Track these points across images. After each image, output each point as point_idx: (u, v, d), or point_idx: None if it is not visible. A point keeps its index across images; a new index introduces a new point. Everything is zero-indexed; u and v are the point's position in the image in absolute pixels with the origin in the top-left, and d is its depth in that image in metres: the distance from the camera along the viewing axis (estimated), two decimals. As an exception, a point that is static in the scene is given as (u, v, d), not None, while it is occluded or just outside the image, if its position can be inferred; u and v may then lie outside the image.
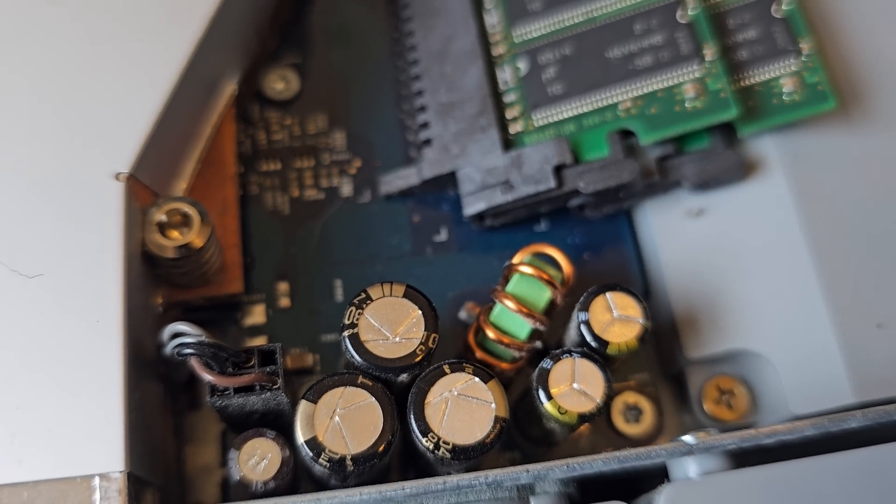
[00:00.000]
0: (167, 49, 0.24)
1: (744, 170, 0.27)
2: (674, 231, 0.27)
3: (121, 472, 0.20)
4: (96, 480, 0.20)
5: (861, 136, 0.27)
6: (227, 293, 0.25)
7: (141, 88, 0.24)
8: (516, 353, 0.24)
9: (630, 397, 0.26)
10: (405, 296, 0.22)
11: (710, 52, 0.26)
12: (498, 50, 0.28)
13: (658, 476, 0.22)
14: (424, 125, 0.28)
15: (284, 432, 0.22)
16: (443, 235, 0.28)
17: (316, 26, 0.30)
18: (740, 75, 0.27)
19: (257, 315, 0.26)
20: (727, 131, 0.26)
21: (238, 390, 0.21)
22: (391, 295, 0.22)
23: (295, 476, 0.22)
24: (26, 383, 0.20)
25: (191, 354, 0.21)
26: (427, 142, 0.27)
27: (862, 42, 0.28)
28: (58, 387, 0.20)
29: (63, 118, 0.23)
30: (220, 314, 0.26)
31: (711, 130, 0.26)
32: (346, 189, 0.28)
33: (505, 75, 0.28)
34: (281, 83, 0.29)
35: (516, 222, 0.27)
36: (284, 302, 0.27)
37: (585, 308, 0.23)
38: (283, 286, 0.27)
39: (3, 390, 0.21)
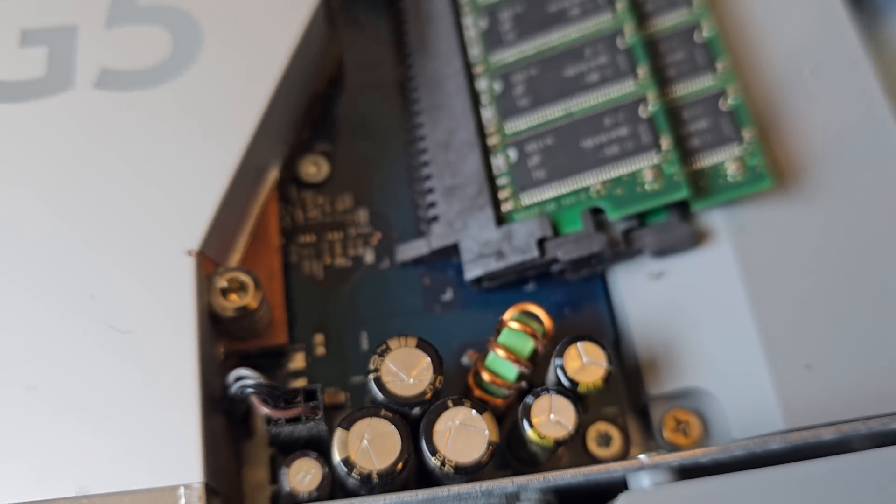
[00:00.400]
0: (227, 146, 0.30)
1: (696, 239, 0.32)
2: (638, 290, 0.33)
3: (200, 482, 0.26)
4: (181, 489, 0.26)
5: (795, 209, 0.32)
6: (275, 343, 0.31)
7: (207, 181, 0.30)
8: (506, 392, 0.29)
9: (602, 426, 0.31)
10: (417, 346, 0.28)
11: (665, 143, 0.32)
12: (492, 141, 0.34)
13: (621, 488, 0.27)
14: (432, 204, 0.34)
15: (324, 453, 0.28)
16: (448, 295, 0.34)
17: (341, 120, 0.36)
18: (692, 160, 0.32)
19: (298, 361, 0.32)
20: (682, 207, 0.32)
21: (288, 421, 0.27)
22: (406, 346, 0.28)
23: (333, 488, 0.28)
24: (126, 415, 0.27)
25: (252, 393, 0.27)
26: (434, 218, 0.33)
27: (797, 129, 0.33)
28: (150, 417, 0.26)
29: (147, 206, 0.29)
30: (268, 360, 0.32)
31: (668, 207, 0.32)
32: (369, 257, 0.34)
33: (498, 162, 0.34)
34: (314, 168, 0.35)
35: (508, 284, 0.33)
36: (320, 350, 0.32)
37: (560, 355, 0.29)
38: (319, 338, 0.33)
39: (112, 420, 0.27)
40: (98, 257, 0.28)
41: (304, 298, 0.33)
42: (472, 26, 0.36)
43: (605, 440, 0.31)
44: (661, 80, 0.33)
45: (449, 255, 0.33)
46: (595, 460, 0.31)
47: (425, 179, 0.34)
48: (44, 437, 0.26)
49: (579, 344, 0.29)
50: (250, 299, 0.29)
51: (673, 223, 0.32)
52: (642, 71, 0.33)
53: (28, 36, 0.32)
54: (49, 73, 0.32)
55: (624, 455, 0.31)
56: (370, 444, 0.27)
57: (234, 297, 0.29)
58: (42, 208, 0.29)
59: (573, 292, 0.33)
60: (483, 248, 0.32)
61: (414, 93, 0.36)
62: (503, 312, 0.31)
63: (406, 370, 0.28)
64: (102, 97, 0.31)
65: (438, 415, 0.27)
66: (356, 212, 0.35)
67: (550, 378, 0.29)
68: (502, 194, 0.33)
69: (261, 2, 0.33)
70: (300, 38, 0.32)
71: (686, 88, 0.33)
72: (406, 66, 0.36)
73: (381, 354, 0.28)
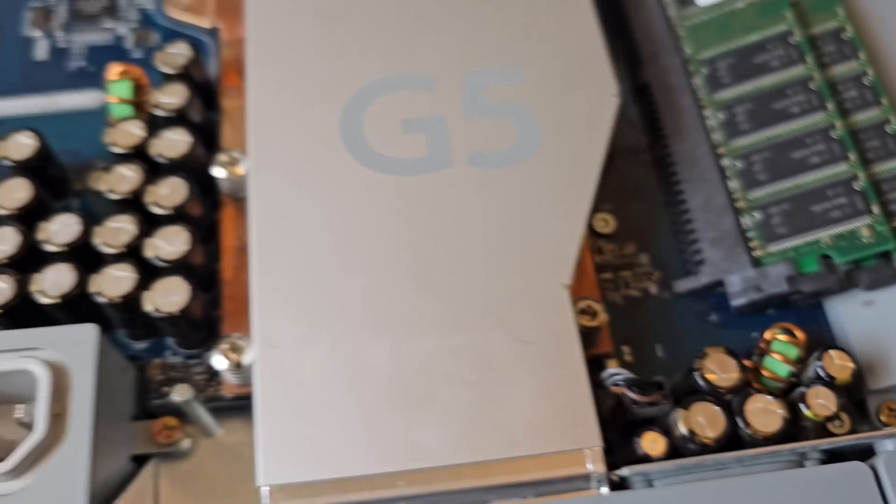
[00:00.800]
0: (578, 208, 0.42)
1: (896, 277, 0.45)
2: (855, 314, 0.45)
3: (600, 445, 0.38)
4: (587, 452, 0.38)
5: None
6: (604, 352, 0.44)
7: (570, 233, 0.41)
8: (780, 385, 0.42)
9: (836, 412, 0.44)
10: (725, 353, 0.41)
11: (875, 209, 0.45)
12: (740, 205, 0.47)
13: (858, 453, 0.40)
14: (699, 251, 0.46)
15: (662, 427, 0.40)
16: (714, 318, 0.46)
17: (619, 186, 0.49)
18: (893, 220, 0.45)
19: (613, 365, 0.44)
20: (887, 254, 0.45)
21: (647, 404, 0.40)
22: (717, 352, 0.41)
23: (674, 451, 0.40)
24: (538, 398, 0.39)
25: (623, 384, 0.40)
26: (702, 261, 0.46)
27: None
28: (558, 400, 0.38)
29: (532, 252, 0.41)
30: (594, 364, 0.44)
31: (877, 254, 0.45)
32: (653, 290, 0.46)
33: (746, 221, 0.46)
34: (603, 223, 0.48)
35: (760, 310, 0.46)
36: (628, 358, 0.44)
37: (819, 358, 0.41)
38: (626, 348, 0.45)
39: (527, 402, 0.39)
40: (505, 290, 0.40)
41: (612, 319, 0.45)
42: (712, 117, 0.48)
43: (838, 424, 0.43)
44: (865, 161, 0.46)
45: (713, 288, 0.45)
46: (832, 436, 0.43)
47: (691, 232, 0.46)
48: (475, 415, 0.38)
49: (832, 351, 0.41)
50: (598, 321, 0.41)
51: (881, 266, 0.44)
52: (852, 156, 0.46)
53: (409, 125, 0.45)
54: (430, 153, 0.44)
55: (851, 433, 0.43)
56: (703, 420, 0.39)
57: (585, 318, 0.42)
58: (454, 256, 0.41)
59: (802, 315, 0.45)
60: (744, 283, 0.44)
61: (673, 167, 0.48)
62: (753, 330, 0.43)
63: (720, 369, 0.40)
64: (477, 172, 0.43)
65: (746, 399, 0.40)
66: (639, 255, 0.47)
67: (810, 374, 0.42)
68: (753, 244, 0.45)
69: (580, 101, 0.45)
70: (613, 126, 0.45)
71: (883, 167, 0.46)
72: (662, 145, 0.49)
73: (702, 357, 0.40)
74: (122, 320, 0.42)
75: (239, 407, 0.43)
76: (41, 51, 0.52)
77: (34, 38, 0.53)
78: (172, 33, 0.53)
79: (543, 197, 0.42)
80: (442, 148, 0.44)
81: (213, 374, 0.43)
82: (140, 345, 0.44)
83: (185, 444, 0.43)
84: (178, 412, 0.43)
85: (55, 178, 0.46)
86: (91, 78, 0.51)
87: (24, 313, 0.42)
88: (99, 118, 0.49)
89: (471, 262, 0.41)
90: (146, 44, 0.52)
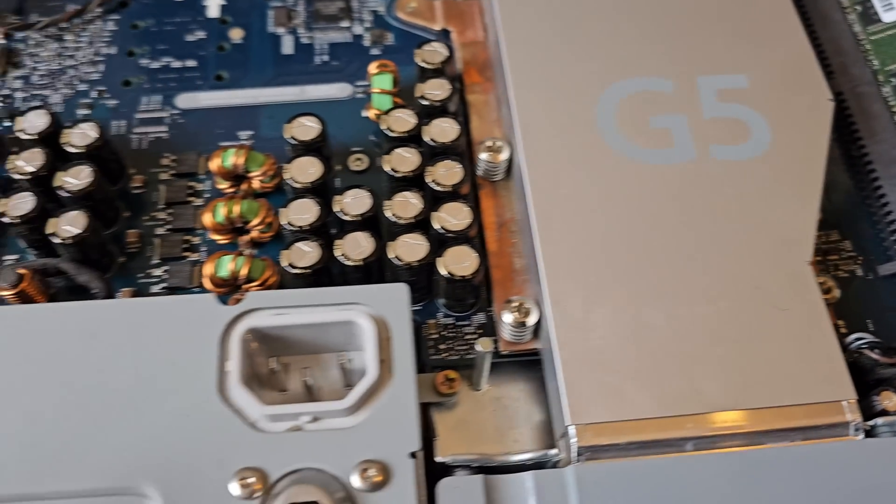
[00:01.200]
0: (813, 198, 0.49)
1: None
2: None
3: (854, 398, 0.44)
4: (844, 403, 0.44)
5: None
6: (830, 323, 0.50)
7: (809, 219, 0.48)
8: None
9: None
10: (949, 326, 0.47)
11: None
12: (937, 207, 0.53)
13: None
14: (900, 239, 0.53)
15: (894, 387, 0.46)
16: (916, 299, 0.52)
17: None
18: None
19: (832, 336, 0.50)
20: None
21: (891, 365, 0.46)
22: (942, 326, 0.47)
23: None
24: (796, 358, 0.45)
25: (868, 347, 0.46)
26: (906, 247, 0.52)
27: None
28: (813, 359, 0.45)
29: (780, 234, 0.48)
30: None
31: None
32: (859, 272, 0.53)
33: (945, 220, 0.53)
34: (809, 213, 0.54)
35: (955, 294, 0.52)
36: (844, 331, 0.51)
37: None
38: (840, 322, 0.51)
39: (787, 361, 0.45)
40: (757, 265, 0.46)
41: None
42: (903, 122, 0.55)
43: None
44: None
45: (917, 272, 0.52)
46: None
47: (892, 223, 0.53)
48: (745, 369, 0.43)
49: None
50: (832, 296, 0.48)
51: None
52: None
53: (655, 121, 0.51)
54: (677, 145, 0.50)
55: None
56: (938, 383, 0.45)
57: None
58: (711, 235, 0.47)
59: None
60: (945, 268, 0.51)
61: (870, 165, 0.54)
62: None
63: (939, 346, 0.46)
64: (721, 163, 0.50)
65: (963, 375, 0.46)
66: (843, 242, 0.53)
67: None
68: (956, 237, 0.52)
69: (800, 104, 0.51)
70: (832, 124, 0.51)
71: None
72: (858, 147, 0.55)
73: (920, 338, 0.46)
74: (408, 283, 0.48)
75: (502, 364, 0.49)
76: (287, 46, 0.58)
77: (280, 35, 0.59)
78: (404, 34, 0.58)
79: (781, 186, 0.48)
80: (686, 141, 0.50)
81: (483, 334, 0.49)
82: (415, 307, 0.49)
83: (456, 396, 0.48)
84: (454, 366, 0.48)
85: (327, 157, 0.52)
86: (335, 71, 0.57)
87: (322, 275, 0.47)
88: (344, 107, 0.55)
89: (726, 239, 0.47)
90: (382, 42, 0.58)
